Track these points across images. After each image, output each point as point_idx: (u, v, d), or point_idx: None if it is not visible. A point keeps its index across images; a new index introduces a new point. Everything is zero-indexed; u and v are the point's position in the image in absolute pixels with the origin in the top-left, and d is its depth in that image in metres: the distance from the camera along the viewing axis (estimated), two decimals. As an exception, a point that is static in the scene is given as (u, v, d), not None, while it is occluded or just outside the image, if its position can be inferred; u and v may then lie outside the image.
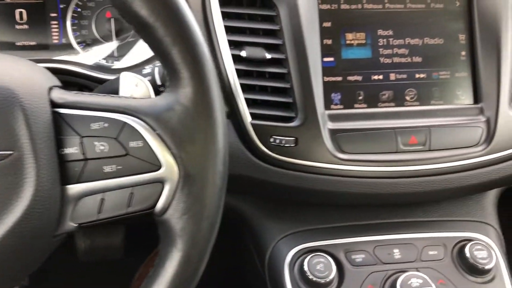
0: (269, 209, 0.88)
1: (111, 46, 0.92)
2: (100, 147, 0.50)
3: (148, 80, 0.59)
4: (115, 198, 0.50)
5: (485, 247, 0.84)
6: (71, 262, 1.11)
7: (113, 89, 0.62)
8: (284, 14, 0.77)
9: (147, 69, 0.72)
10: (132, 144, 0.50)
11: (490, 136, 0.81)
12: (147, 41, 0.51)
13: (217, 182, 0.51)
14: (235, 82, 0.78)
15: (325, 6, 0.81)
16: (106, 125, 0.50)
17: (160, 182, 0.50)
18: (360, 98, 0.81)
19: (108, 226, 1.12)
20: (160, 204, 0.50)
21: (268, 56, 0.78)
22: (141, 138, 0.50)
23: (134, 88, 0.58)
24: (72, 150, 0.49)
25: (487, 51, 0.82)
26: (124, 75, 0.59)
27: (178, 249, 0.50)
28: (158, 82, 0.70)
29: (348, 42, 0.81)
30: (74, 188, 0.47)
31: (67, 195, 0.49)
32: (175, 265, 0.50)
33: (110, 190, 0.50)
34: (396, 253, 0.84)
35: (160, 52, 0.50)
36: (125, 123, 0.50)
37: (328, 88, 0.80)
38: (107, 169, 0.50)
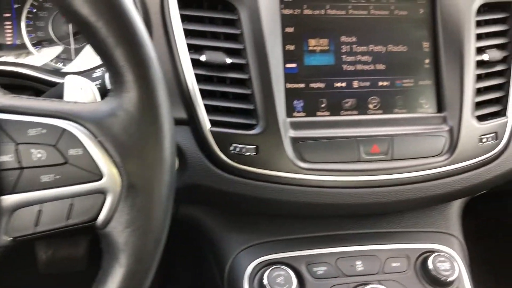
0: (230, 219, 0.85)
1: (67, 48, 0.88)
2: (37, 155, 0.46)
3: (98, 84, 0.56)
4: (54, 210, 0.46)
5: (448, 259, 0.83)
6: (31, 273, 1.06)
7: (60, 94, 0.59)
8: (245, 18, 0.75)
9: (97, 73, 0.69)
10: (72, 152, 0.46)
11: (453, 145, 0.80)
12: (89, 41, 0.48)
13: (163, 193, 0.47)
14: (194, 87, 0.75)
15: (287, 11, 0.79)
16: (44, 131, 0.46)
17: (102, 192, 0.47)
18: (323, 105, 0.79)
19: (71, 235, 1.07)
20: (101, 216, 0.47)
21: (229, 61, 0.75)
22: (81, 145, 0.46)
23: (79, 92, 0.54)
24: (6, 158, 0.46)
25: (450, 59, 0.82)
26: (68, 79, 0.55)
27: (121, 265, 0.47)
28: (109, 86, 0.66)
29: (311, 48, 0.80)
30: (8, 199, 0.44)
31: (0, 207, 0.45)
32: (118, 281, 0.47)
33: (48, 201, 0.46)
34: (359, 265, 0.82)
35: (103, 54, 0.47)
36: (64, 129, 0.46)
37: (290, 95, 0.78)
38: (45, 178, 0.46)
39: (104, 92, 0.57)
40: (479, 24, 0.85)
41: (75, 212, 0.46)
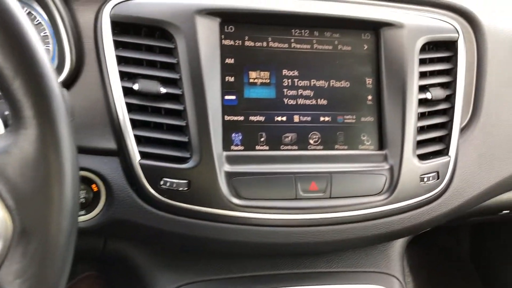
0: (161, 256, 0.80)
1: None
2: None
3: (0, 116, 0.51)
4: None
5: (386, 301, 0.81)
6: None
7: None
8: (182, 47, 0.72)
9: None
10: (-44, 192, 0.42)
11: (393, 184, 0.79)
12: None
13: (61, 240, 0.43)
14: (124, 117, 0.71)
15: (228, 42, 0.76)
16: None
17: None
18: (262, 139, 0.77)
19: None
20: (-11, 265, 0.42)
21: (163, 90, 0.72)
22: (-33, 185, 0.42)
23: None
24: None
25: (393, 96, 0.81)
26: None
27: (10, 320, 0.42)
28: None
29: (251, 80, 0.77)
30: None
31: None
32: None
33: None
34: (296, 306, 0.79)
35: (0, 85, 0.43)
36: None
37: (229, 127, 0.75)
38: None
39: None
40: (423, 62, 0.84)
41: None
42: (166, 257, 0.80)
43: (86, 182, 0.73)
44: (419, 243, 0.94)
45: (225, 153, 0.74)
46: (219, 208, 0.72)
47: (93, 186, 0.74)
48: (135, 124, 0.73)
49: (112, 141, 0.72)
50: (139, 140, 0.73)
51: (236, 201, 0.72)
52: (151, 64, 0.74)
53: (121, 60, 0.73)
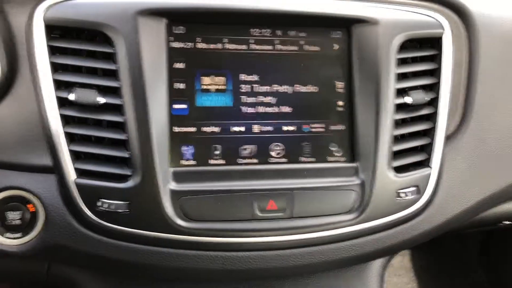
0: (110, 283, 0.73)
1: None
2: None
3: None
4: None
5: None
6: None
7: None
8: (122, 52, 0.64)
9: None
10: None
11: (364, 201, 0.70)
12: None
13: None
14: (58, 130, 0.64)
15: (177, 44, 0.69)
16: None
17: None
18: (217, 152, 0.69)
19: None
20: None
21: (102, 100, 0.65)
22: None
23: None
24: None
25: (366, 102, 0.72)
26: None
27: None
28: None
29: (204, 87, 0.69)
30: None
31: None
32: None
33: None
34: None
35: None
36: None
37: (178, 140, 0.68)
38: None
39: None
40: (404, 62, 0.75)
41: None
42: (111, 283, 0.73)
43: (21, 201, 0.67)
44: (425, 247, 0.84)
45: (172, 169, 0.66)
46: (163, 232, 0.65)
47: (30, 206, 0.67)
48: (73, 138, 0.66)
49: (47, 157, 0.65)
50: (78, 156, 0.66)
51: (182, 223, 0.65)
52: (91, 72, 0.66)
53: (58, 68, 0.66)
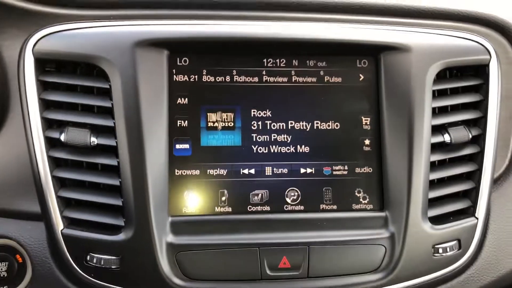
0: None
1: None
2: None
3: None
4: None
5: None
6: None
7: None
8: (117, 88, 0.58)
9: None
10: None
11: (395, 258, 0.60)
12: None
13: None
14: (46, 174, 0.58)
15: (180, 78, 0.61)
16: None
17: None
18: (224, 199, 0.61)
19: None
20: None
21: (95, 141, 0.58)
22: None
23: None
24: None
25: (397, 140, 0.62)
26: None
27: None
28: None
29: (210, 124, 0.62)
30: None
31: None
32: None
33: None
34: None
35: None
36: None
37: (180, 184, 0.60)
38: None
39: None
40: (441, 93, 0.65)
41: None
42: None
43: (9, 251, 0.61)
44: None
45: (171, 218, 0.58)
46: None
47: (18, 256, 0.61)
48: (64, 183, 0.59)
49: (36, 203, 0.59)
50: (69, 203, 0.59)
51: (180, 282, 0.57)
52: (85, 110, 0.60)
53: (50, 105, 0.60)
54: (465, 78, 0.67)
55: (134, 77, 0.58)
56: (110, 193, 0.58)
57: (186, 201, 0.60)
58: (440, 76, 0.65)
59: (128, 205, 0.57)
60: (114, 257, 0.56)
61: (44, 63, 0.60)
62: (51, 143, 0.59)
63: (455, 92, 0.66)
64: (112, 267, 0.57)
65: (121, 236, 0.57)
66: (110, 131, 0.59)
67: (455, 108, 0.66)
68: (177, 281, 0.57)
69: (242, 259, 0.58)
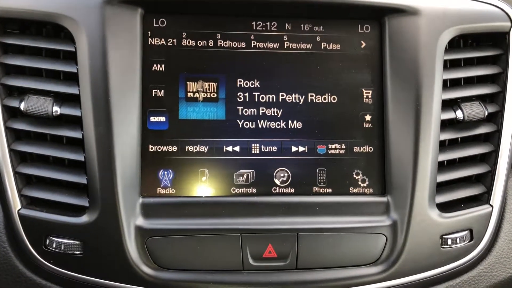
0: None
1: None
2: None
3: None
4: None
5: None
6: None
7: None
8: (83, 51, 0.51)
9: None
10: None
11: (397, 249, 0.53)
12: None
13: None
14: (3, 147, 0.51)
15: (156, 41, 0.54)
16: None
17: None
18: (204, 179, 0.54)
19: None
20: None
21: (58, 111, 0.51)
22: None
23: None
24: None
25: (402, 116, 0.55)
26: None
27: None
28: None
29: (190, 95, 0.55)
30: None
31: None
32: None
33: None
34: None
35: None
36: None
37: (154, 162, 0.53)
38: None
39: None
40: (453, 64, 0.57)
41: None
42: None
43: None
44: None
45: (142, 199, 0.51)
46: (125, 282, 0.51)
47: (-26, 239, 0.54)
48: (25, 158, 0.53)
49: None
50: (29, 180, 0.52)
51: (150, 271, 0.51)
52: (50, 76, 0.53)
53: (10, 70, 0.53)
54: (481, 48, 0.60)
55: (102, 39, 0.51)
56: (75, 170, 0.52)
57: (160, 181, 0.53)
58: (453, 45, 0.59)
59: (93, 183, 0.50)
60: (76, 242, 0.50)
61: (5, 24, 0.54)
62: (11, 113, 0.52)
63: (469, 63, 0.59)
64: (75, 252, 0.50)
65: (84, 218, 0.50)
66: (75, 100, 0.52)
67: (470, 82, 0.59)
68: (146, 270, 0.50)
69: (222, 247, 0.51)
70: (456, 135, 0.57)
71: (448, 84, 0.58)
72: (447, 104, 0.57)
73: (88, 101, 0.51)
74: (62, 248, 0.51)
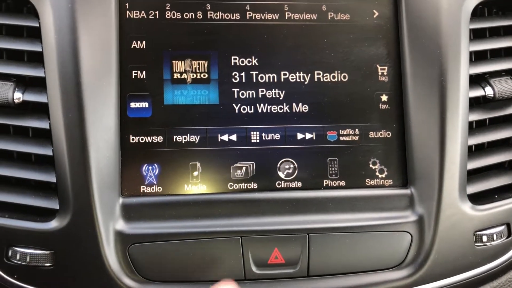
0: None
1: None
2: None
3: None
4: None
5: None
6: None
7: None
8: (48, 27, 0.43)
9: None
10: None
11: (424, 250, 0.46)
12: None
13: None
14: None
15: (136, 14, 0.46)
16: None
17: None
18: (196, 174, 0.46)
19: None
20: None
21: (19, 98, 0.43)
22: None
23: None
24: None
25: (423, 95, 0.48)
26: None
27: None
28: None
29: (176, 76, 0.47)
30: None
31: None
32: None
33: None
34: None
35: None
36: None
37: (136, 155, 0.45)
38: None
39: None
40: (479, 35, 0.50)
41: None
42: None
43: None
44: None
45: (123, 200, 0.43)
46: None
47: None
48: None
49: None
50: (-12, 181, 0.45)
51: (132, 284, 0.43)
52: (12, 58, 0.45)
53: None
54: (508, 16, 0.52)
55: (70, 12, 0.45)
56: (42, 167, 0.43)
57: (144, 178, 0.45)
58: (476, 14, 0.51)
59: (64, 181, 0.42)
60: (45, 252, 0.43)
61: None
62: None
63: (495, 34, 0.51)
64: (44, 264, 0.43)
65: (53, 223, 0.43)
66: (40, 85, 0.44)
67: (496, 55, 0.51)
68: (128, 282, 0.43)
69: (219, 253, 0.44)
70: (485, 116, 0.50)
71: (473, 58, 0.51)
72: (474, 81, 0.50)
73: (56, 84, 0.43)
74: (28, 260, 0.43)
